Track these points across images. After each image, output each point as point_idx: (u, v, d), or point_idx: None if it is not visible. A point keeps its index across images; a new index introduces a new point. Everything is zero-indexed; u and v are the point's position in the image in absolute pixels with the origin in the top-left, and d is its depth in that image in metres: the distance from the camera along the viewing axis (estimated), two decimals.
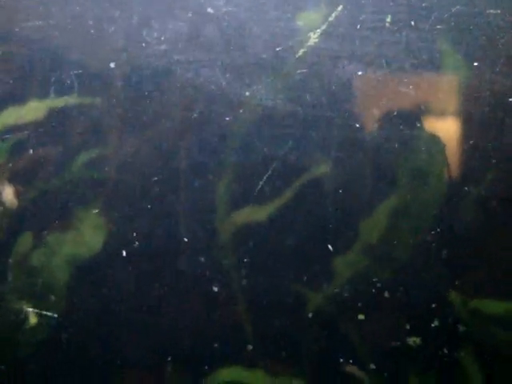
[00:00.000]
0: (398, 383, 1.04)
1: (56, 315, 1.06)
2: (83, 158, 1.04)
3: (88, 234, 1.06)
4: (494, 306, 1.03)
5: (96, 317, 1.07)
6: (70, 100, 1.03)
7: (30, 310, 1.06)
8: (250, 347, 1.05)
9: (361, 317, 1.03)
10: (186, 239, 1.04)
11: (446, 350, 1.03)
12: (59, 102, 1.03)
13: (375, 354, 1.04)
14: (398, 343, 1.03)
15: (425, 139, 1.01)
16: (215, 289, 1.05)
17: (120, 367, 1.08)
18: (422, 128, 1.02)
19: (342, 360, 1.04)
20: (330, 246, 1.02)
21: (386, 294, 1.03)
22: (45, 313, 1.06)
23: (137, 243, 1.05)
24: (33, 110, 1.04)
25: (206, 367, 1.06)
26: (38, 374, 1.08)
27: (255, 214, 1.04)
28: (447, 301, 1.02)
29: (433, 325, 1.03)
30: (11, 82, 1.05)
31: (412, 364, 1.03)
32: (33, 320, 1.08)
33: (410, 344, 1.03)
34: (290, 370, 1.06)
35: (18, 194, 1.05)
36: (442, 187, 1.02)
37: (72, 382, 1.08)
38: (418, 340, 1.03)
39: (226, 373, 1.07)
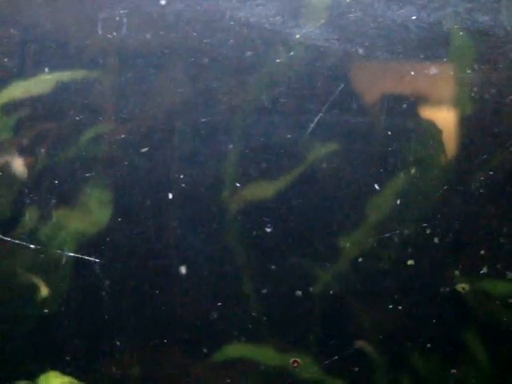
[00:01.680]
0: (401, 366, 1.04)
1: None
2: (94, 131, 1.03)
3: (95, 210, 1.05)
4: (501, 287, 1.03)
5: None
6: (77, 74, 1.02)
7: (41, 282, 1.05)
8: (257, 324, 1.05)
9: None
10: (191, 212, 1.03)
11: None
12: (66, 76, 1.02)
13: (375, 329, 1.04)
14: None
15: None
16: (221, 265, 1.05)
17: (126, 342, 1.07)
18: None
19: (349, 336, 1.04)
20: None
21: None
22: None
23: (142, 221, 1.04)
24: (41, 83, 1.03)
25: (212, 344, 1.06)
26: (54, 345, 1.08)
27: (262, 189, 1.03)
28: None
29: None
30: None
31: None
32: (44, 292, 1.06)
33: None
34: (297, 346, 1.05)
35: (27, 165, 1.04)
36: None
37: (78, 355, 1.08)
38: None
39: (233, 349, 1.06)
